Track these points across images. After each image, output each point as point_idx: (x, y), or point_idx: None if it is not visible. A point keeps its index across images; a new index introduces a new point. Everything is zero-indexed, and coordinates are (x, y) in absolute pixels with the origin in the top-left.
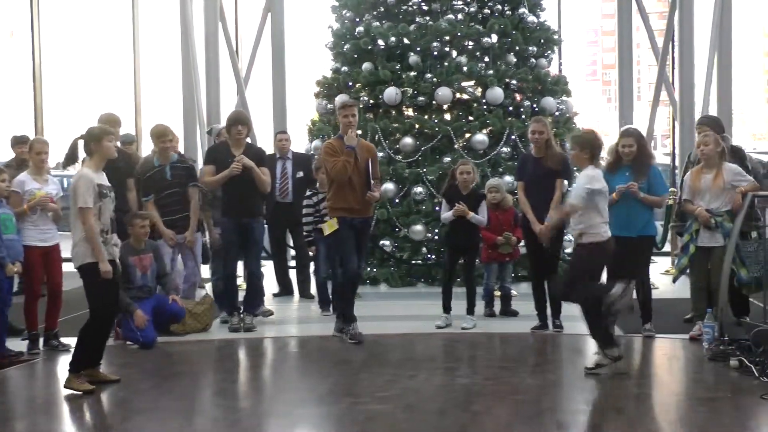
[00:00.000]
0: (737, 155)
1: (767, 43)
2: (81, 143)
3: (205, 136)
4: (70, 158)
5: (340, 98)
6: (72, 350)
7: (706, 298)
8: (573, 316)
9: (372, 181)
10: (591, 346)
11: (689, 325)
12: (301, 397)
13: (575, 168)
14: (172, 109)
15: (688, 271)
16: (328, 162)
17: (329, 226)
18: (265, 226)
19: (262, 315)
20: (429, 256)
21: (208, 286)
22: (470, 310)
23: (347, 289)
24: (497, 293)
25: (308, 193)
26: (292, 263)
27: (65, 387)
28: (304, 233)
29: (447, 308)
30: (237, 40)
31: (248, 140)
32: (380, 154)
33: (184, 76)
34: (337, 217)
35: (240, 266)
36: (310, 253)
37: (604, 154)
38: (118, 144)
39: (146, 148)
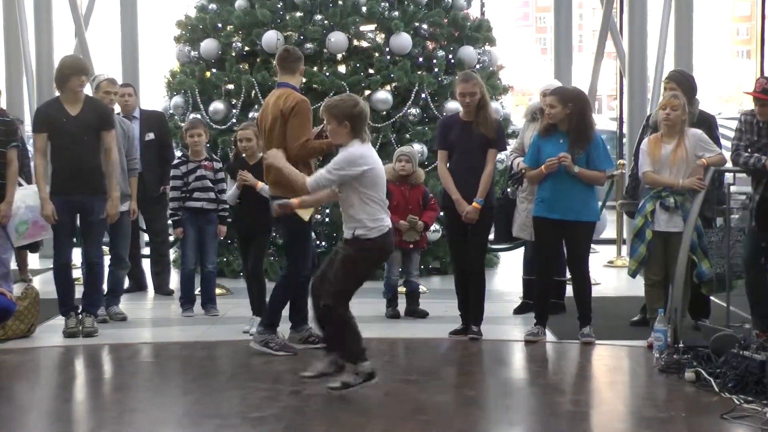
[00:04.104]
0: (705, 124)
1: None
2: None
3: (34, 90)
4: None
5: None
6: None
7: (663, 297)
8: (494, 318)
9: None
10: (517, 355)
11: (638, 329)
12: (153, 419)
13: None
14: None
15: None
16: (305, 129)
17: (307, 211)
18: None
19: (112, 318)
20: (317, 242)
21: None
22: (256, 311)
23: (296, 293)
24: (402, 289)
25: (176, 161)
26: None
27: None
28: (170, 212)
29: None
30: None
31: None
32: (255, 115)
33: (6, 13)
34: None
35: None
36: (171, 238)
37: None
38: None
39: None
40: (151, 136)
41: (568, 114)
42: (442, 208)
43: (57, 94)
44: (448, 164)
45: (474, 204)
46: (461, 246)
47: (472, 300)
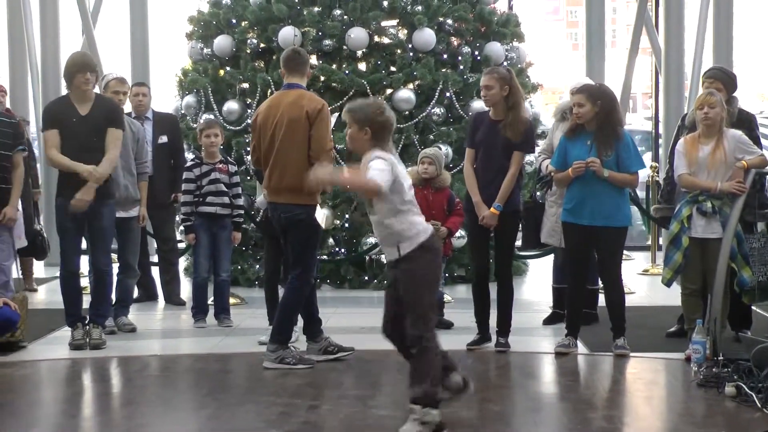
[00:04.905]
0: (745, 123)
1: None
2: None
3: (39, 89)
4: None
5: None
6: None
7: (701, 306)
8: (522, 329)
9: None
10: (546, 368)
11: (675, 340)
12: None
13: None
14: None
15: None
16: (330, 134)
17: (324, 218)
18: None
19: (121, 329)
20: (336, 249)
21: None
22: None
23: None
24: None
25: (189, 163)
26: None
27: None
28: (182, 216)
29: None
30: None
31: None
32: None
33: (10, 9)
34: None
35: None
36: (181, 245)
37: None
38: None
39: None
40: (164, 139)
41: (597, 112)
42: (465, 211)
43: (65, 92)
44: (475, 164)
45: (492, 209)
46: (482, 251)
47: (499, 310)
